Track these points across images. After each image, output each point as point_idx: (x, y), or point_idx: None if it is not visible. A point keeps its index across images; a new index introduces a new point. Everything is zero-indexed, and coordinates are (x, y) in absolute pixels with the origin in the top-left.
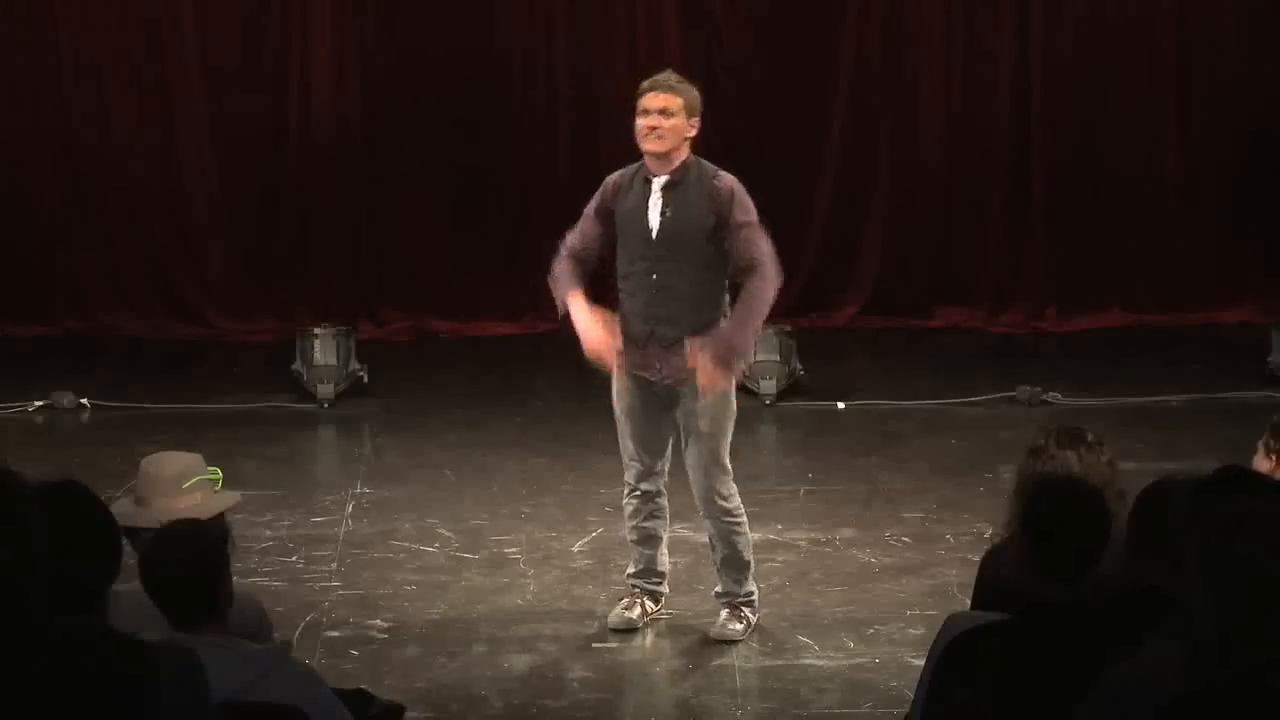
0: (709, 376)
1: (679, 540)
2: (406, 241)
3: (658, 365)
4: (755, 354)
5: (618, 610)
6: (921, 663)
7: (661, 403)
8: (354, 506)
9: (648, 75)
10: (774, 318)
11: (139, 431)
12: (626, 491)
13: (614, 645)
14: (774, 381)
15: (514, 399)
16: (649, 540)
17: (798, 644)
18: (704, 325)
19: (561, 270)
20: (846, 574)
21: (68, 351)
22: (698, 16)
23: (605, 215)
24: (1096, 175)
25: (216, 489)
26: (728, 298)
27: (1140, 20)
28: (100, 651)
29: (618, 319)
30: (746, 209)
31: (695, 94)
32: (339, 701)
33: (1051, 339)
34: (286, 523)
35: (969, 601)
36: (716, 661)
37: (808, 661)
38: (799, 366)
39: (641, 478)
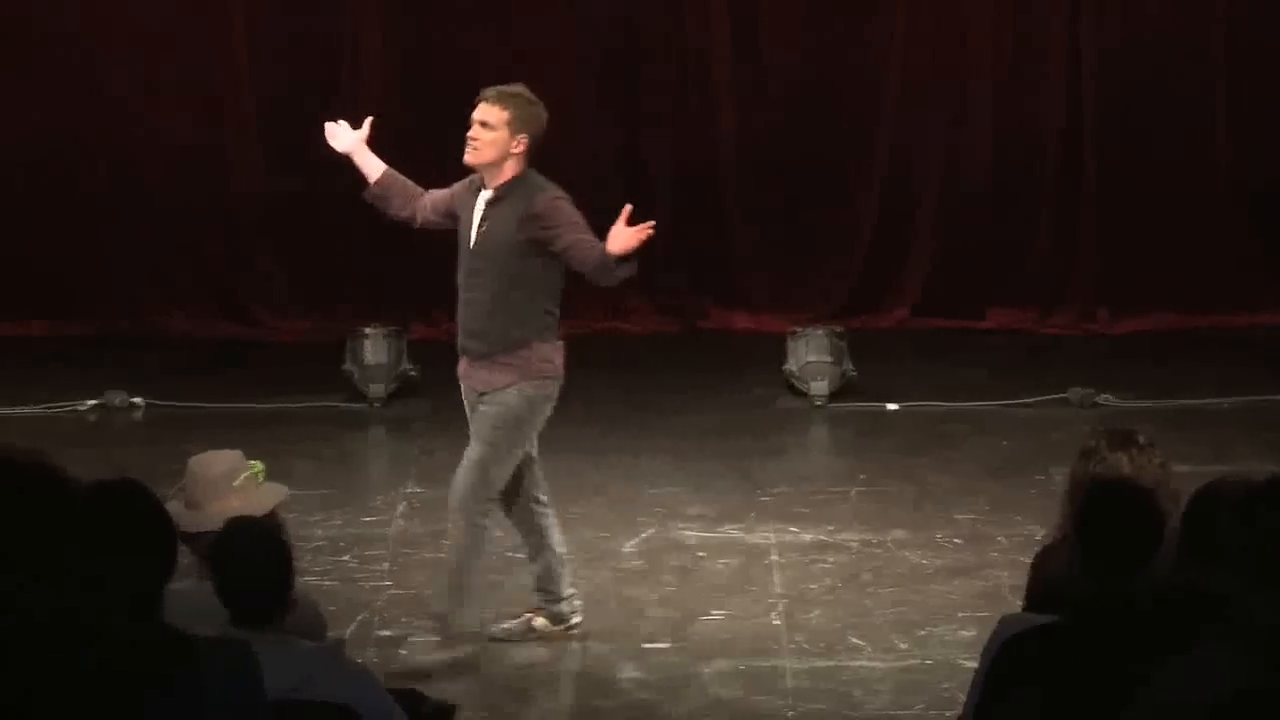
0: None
1: (730, 542)
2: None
3: (468, 374)
4: (807, 355)
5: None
6: (974, 664)
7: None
8: (405, 506)
9: (694, 80)
10: (825, 319)
11: (191, 431)
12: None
13: (664, 646)
14: (825, 383)
15: (565, 399)
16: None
17: (849, 645)
18: (512, 344)
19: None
20: (898, 575)
21: (120, 351)
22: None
23: (449, 206)
24: (1148, 177)
25: (260, 482)
26: (550, 319)
27: (1189, 22)
28: (153, 648)
29: None
30: (559, 221)
31: (531, 110)
32: (392, 701)
33: (1103, 340)
34: (338, 522)
35: (1021, 603)
36: (768, 663)
37: (859, 663)
38: (850, 367)
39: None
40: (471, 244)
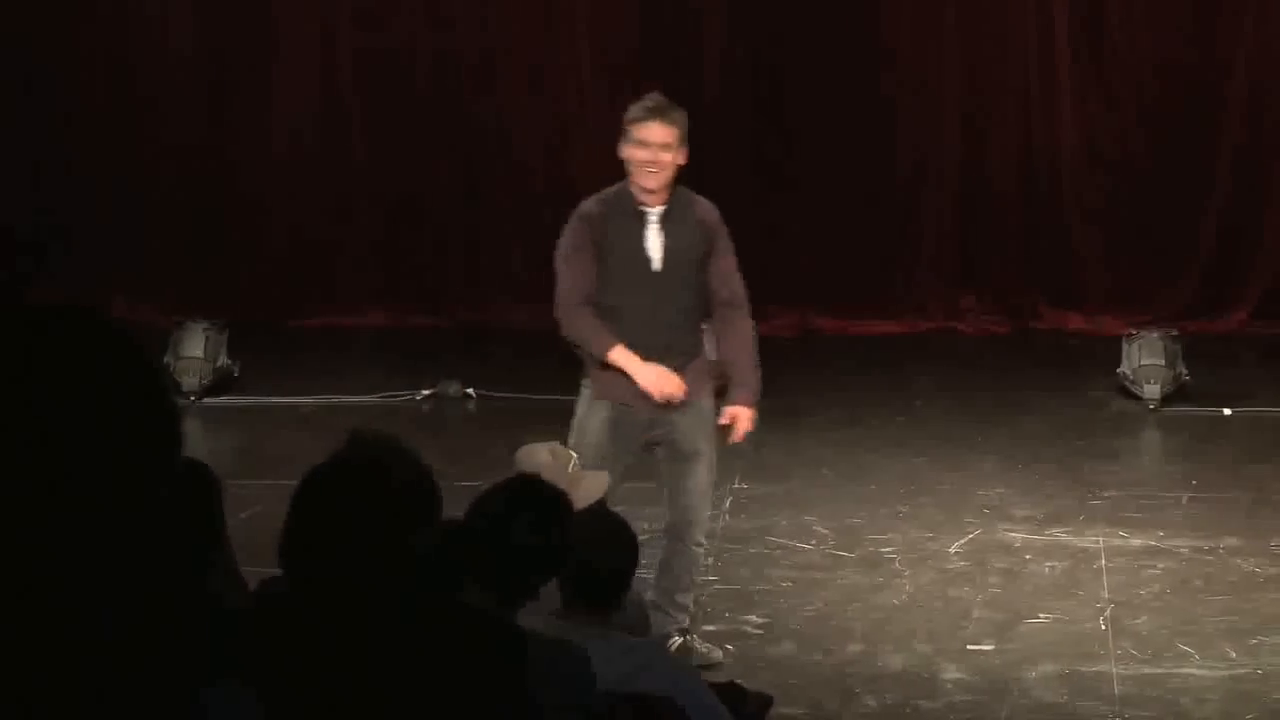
0: (746, 429)
1: (1058, 545)
2: (787, 236)
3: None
4: (1141, 358)
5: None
6: None
7: (639, 430)
8: (731, 502)
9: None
10: (1162, 321)
11: (521, 422)
12: None
13: (989, 648)
14: (1158, 386)
15: (898, 399)
16: None
17: (1178, 652)
18: (694, 350)
19: (590, 324)
20: (1229, 583)
21: (457, 342)
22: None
23: (593, 250)
24: None
25: (583, 471)
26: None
27: None
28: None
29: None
30: (728, 236)
31: (685, 119)
32: (715, 696)
33: None
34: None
35: None
36: (1093, 668)
37: (1188, 671)
38: (1184, 371)
39: None
40: (657, 265)
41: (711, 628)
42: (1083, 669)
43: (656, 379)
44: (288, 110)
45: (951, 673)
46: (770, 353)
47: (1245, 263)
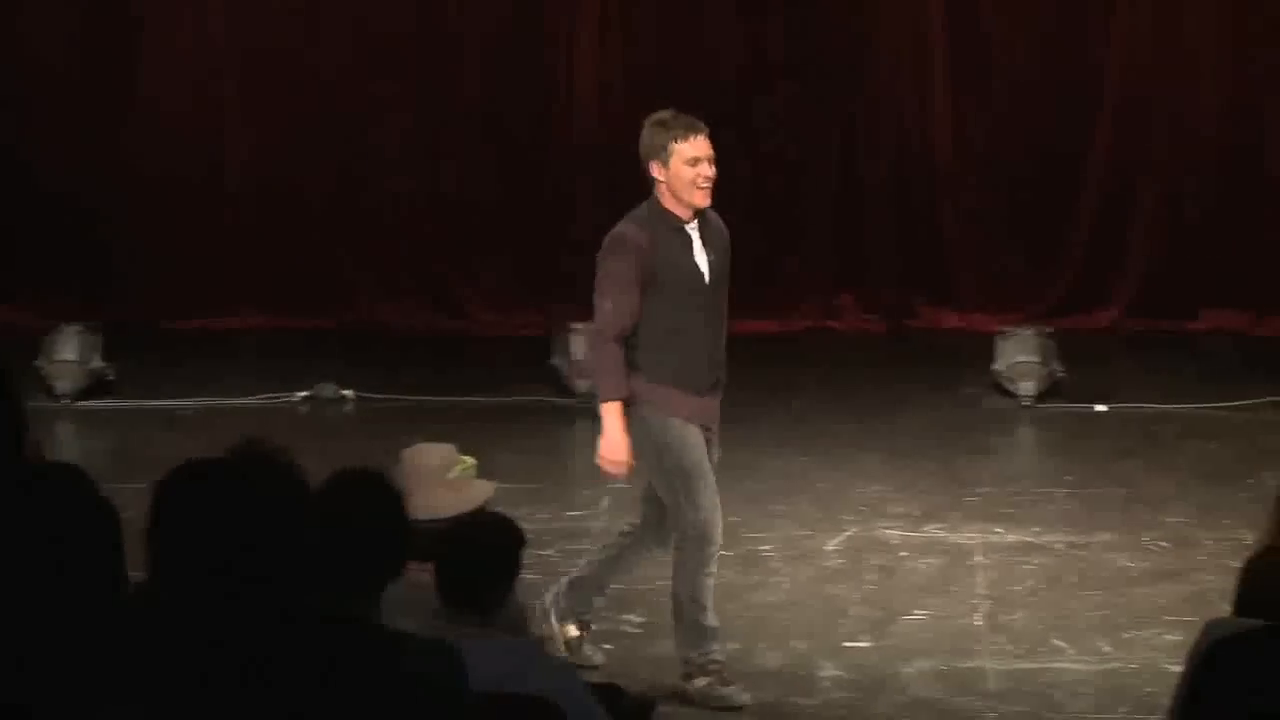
0: None
1: (933, 541)
2: None
3: (713, 409)
4: (1015, 355)
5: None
6: (1178, 669)
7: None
8: (610, 501)
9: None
10: (1036, 319)
11: (399, 424)
12: (713, 555)
13: (865, 645)
14: (1033, 383)
15: (775, 397)
16: None
17: (1052, 647)
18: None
19: (615, 364)
20: (1103, 578)
21: (334, 344)
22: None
23: (642, 282)
24: None
25: (474, 479)
26: None
27: None
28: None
29: (658, 381)
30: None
31: None
32: (593, 697)
33: None
34: (543, 516)
35: (1228, 608)
36: (969, 663)
37: (1062, 665)
38: (1059, 368)
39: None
40: (707, 279)
41: (592, 628)
42: (959, 664)
43: (614, 449)
44: (161, 109)
45: (828, 670)
46: None
47: (1117, 261)
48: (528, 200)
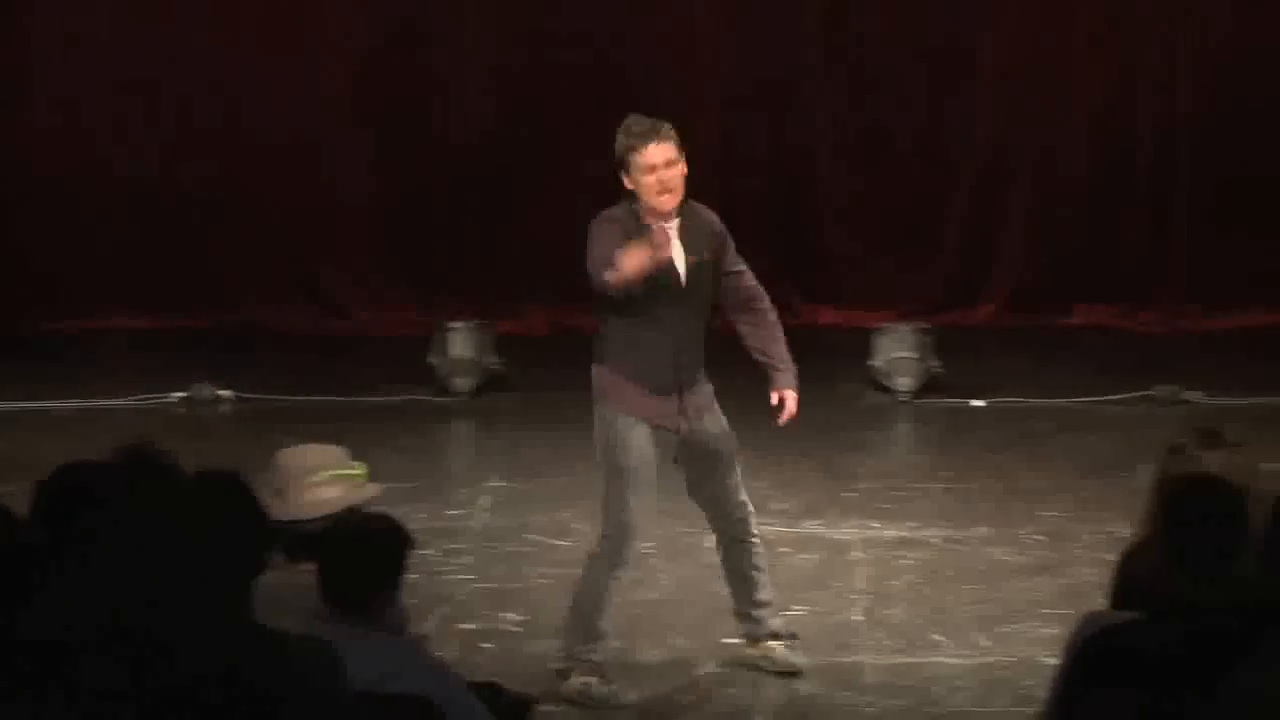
0: (793, 410)
1: (812, 537)
2: (544, 239)
3: (684, 409)
4: (892, 350)
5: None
6: (1056, 662)
7: (665, 452)
8: (489, 500)
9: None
10: (913, 315)
11: (277, 424)
12: (627, 559)
13: (744, 640)
14: (910, 379)
15: None
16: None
17: (930, 642)
18: (704, 358)
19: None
20: (980, 572)
21: (211, 344)
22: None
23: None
24: (1240, 172)
25: (360, 483)
26: None
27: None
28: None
29: (619, 376)
30: (729, 240)
31: (671, 126)
32: (472, 694)
33: (1194, 338)
34: (422, 515)
35: (1104, 601)
36: (848, 658)
37: (941, 659)
38: (936, 364)
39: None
40: (684, 278)
41: (469, 626)
42: (838, 659)
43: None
44: (29, 109)
45: (709, 667)
46: (525, 351)
47: (992, 256)
48: (405, 198)
